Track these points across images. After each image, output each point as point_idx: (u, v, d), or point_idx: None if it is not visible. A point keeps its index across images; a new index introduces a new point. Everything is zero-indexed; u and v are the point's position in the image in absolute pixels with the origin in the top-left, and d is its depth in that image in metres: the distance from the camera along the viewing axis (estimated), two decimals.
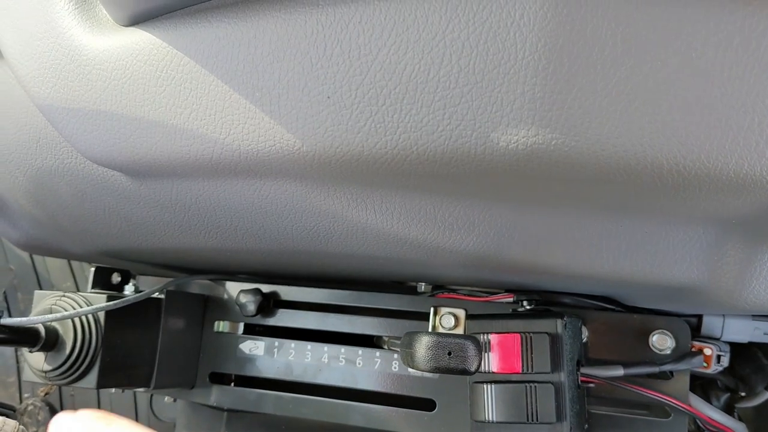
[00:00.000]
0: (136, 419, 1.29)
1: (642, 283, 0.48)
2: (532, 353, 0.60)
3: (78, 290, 1.29)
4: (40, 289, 1.35)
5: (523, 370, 0.60)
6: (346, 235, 0.51)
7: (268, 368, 0.83)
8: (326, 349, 0.81)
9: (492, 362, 0.62)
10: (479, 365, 0.46)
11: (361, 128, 0.39)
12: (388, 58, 0.36)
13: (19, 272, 1.35)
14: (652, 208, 0.40)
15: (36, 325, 0.69)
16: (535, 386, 0.60)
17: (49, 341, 0.70)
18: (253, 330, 0.86)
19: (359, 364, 0.79)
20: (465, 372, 0.45)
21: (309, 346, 0.82)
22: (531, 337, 0.61)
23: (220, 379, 0.86)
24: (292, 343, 0.82)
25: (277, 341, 0.83)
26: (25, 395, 1.32)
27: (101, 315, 0.72)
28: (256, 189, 0.49)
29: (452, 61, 0.35)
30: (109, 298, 0.72)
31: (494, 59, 0.35)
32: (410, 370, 0.77)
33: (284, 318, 0.84)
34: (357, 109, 0.38)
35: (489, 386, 0.62)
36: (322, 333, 0.82)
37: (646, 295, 0.63)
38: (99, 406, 1.30)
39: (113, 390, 1.28)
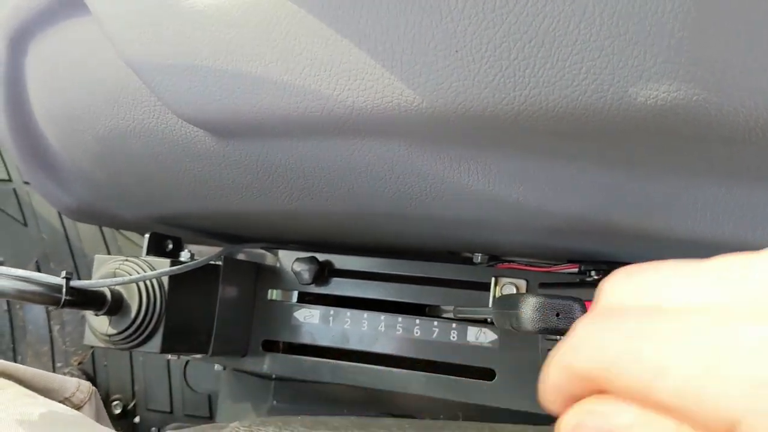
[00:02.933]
0: (170, 390, 1.30)
1: (738, 248, 0.48)
2: None
3: None
4: (73, 258, 1.34)
5: None
6: (440, 197, 0.51)
7: (324, 336, 0.83)
8: (383, 318, 0.81)
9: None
10: None
11: (489, 83, 0.38)
12: (525, 10, 0.36)
13: (50, 242, 1.34)
14: None
15: (102, 289, 0.69)
16: None
17: (115, 305, 0.70)
18: (306, 299, 0.86)
19: (417, 333, 0.79)
20: None
21: (365, 314, 0.82)
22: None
23: (272, 347, 0.86)
24: (348, 312, 0.82)
25: (332, 309, 0.83)
26: (58, 364, 1.33)
27: (165, 280, 0.72)
28: (357, 149, 0.48)
29: (595, 12, 0.35)
30: (172, 263, 0.72)
31: (640, 10, 0.34)
32: (469, 339, 0.77)
33: (339, 287, 0.84)
34: (487, 64, 0.38)
35: None
36: (377, 302, 0.82)
37: None
38: (132, 377, 1.30)
39: (141, 358, 1.28)
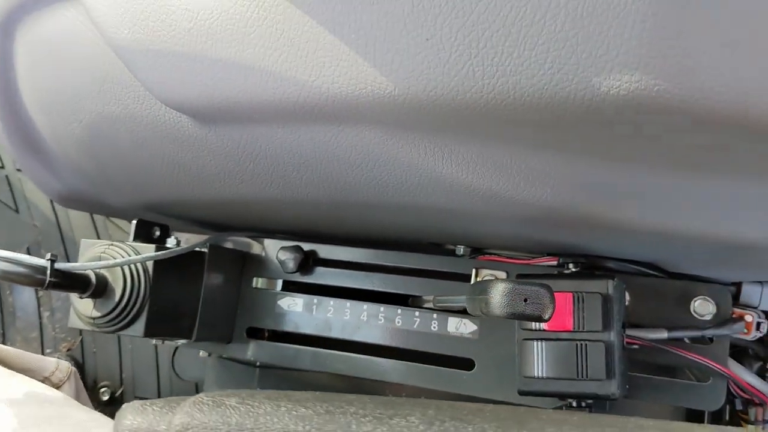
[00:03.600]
0: (158, 378, 1.31)
1: (711, 241, 0.49)
2: (583, 312, 0.62)
3: None
4: (64, 245, 1.35)
5: (574, 328, 0.61)
6: (415, 185, 0.52)
7: (307, 325, 0.84)
8: (365, 308, 0.82)
9: None
10: (553, 313, 0.47)
11: (459, 71, 0.39)
12: (493, 0, 0.37)
13: (42, 229, 1.35)
14: (744, 165, 0.41)
15: (86, 272, 0.70)
16: (586, 344, 0.61)
17: (99, 288, 0.71)
18: (290, 287, 0.87)
19: (398, 323, 0.80)
20: (539, 319, 0.46)
21: (348, 303, 0.82)
22: (583, 296, 0.62)
23: (256, 334, 0.87)
24: (331, 301, 0.83)
25: (316, 298, 0.84)
26: (48, 350, 1.33)
27: (150, 264, 0.73)
28: (333, 135, 0.49)
29: (560, 3, 0.36)
30: (157, 249, 0.73)
31: (603, 2, 0.35)
32: (449, 329, 0.78)
33: (323, 276, 0.85)
34: (456, 52, 0.39)
35: (539, 343, 0.63)
36: (360, 291, 0.83)
37: (697, 258, 0.64)
38: (120, 364, 1.31)
39: (129, 346, 1.29)
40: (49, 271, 0.66)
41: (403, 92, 0.41)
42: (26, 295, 1.34)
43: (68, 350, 1.33)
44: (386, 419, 0.30)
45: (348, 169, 0.52)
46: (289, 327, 0.85)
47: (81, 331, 1.33)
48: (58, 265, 0.66)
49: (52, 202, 1.35)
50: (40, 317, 1.33)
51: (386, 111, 0.43)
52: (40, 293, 1.34)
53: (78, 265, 0.67)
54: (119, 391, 1.31)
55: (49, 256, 0.66)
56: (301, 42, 0.43)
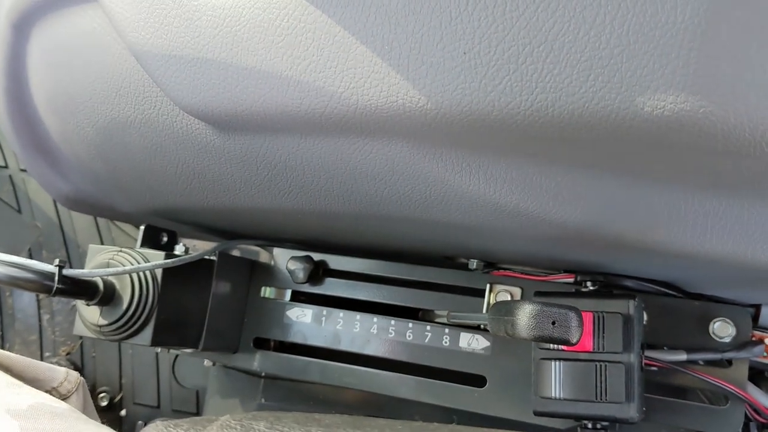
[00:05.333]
0: (158, 385, 1.29)
1: (738, 264, 0.48)
2: (604, 332, 0.60)
3: None
4: (66, 248, 1.34)
5: (594, 349, 0.60)
6: (439, 200, 0.50)
7: (315, 336, 0.82)
8: (375, 321, 0.80)
9: None
10: (580, 337, 0.45)
11: (496, 86, 0.38)
12: (536, 15, 0.36)
13: (44, 230, 1.34)
14: None
15: (95, 279, 0.68)
16: (606, 365, 0.60)
17: (107, 295, 0.69)
18: (299, 298, 0.86)
19: (409, 336, 0.79)
20: (566, 342, 0.45)
21: (358, 316, 0.81)
22: (603, 316, 0.61)
23: (262, 344, 0.86)
24: (341, 313, 0.82)
25: (325, 310, 0.82)
26: (46, 354, 1.32)
27: (159, 272, 0.71)
28: (358, 148, 0.48)
29: (606, 21, 0.35)
30: (166, 257, 0.72)
31: (651, 21, 0.34)
32: (461, 345, 0.77)
33: (332, 287, 0.84)
34: (494, 67, 0.37)
35: (557, 363, 0.61)
36: (370, 304, 0.81)
37: (717, 279, 0.62)
38: (120, 370, 1.29)
39: (130, 351, 1.27)
40: (57, 278, 0.64)
41: (436, 107, 0.40)
42: (26, 298, 1.32)
43: (67, 354, 1.31)
44: None
45: (370, 182, 0.51)
46: (297, 338, 0.83)
47: (81, 336, 1.32)
48: (66, 272, 0.65)
49: (55, 203, 1.33)
50: (39, 320, 1.32)
51: (416, 125, 0.42)
52: (41, 296, 1.32)
53: (86, 272, 0.66)
54: (118, 397, 1.29)
55: (57, 262, 0.65)
56: (332, 52, 0.42)
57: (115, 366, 1.29)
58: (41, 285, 0.64)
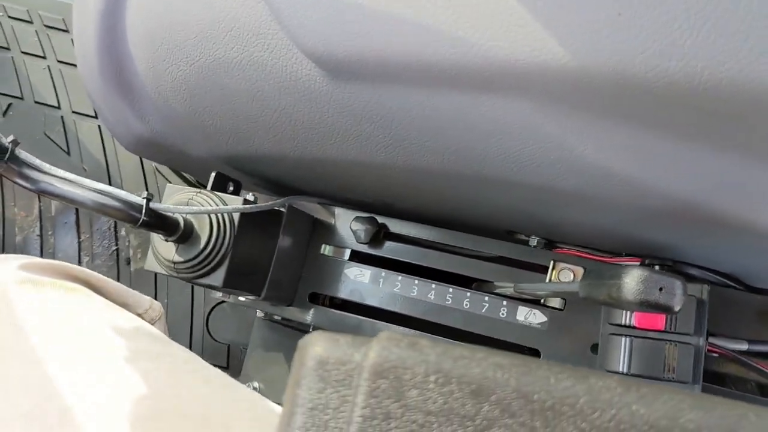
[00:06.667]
0: (190, 336, 1.31)
1: None
2: (677, 313, 0.62)
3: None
4: None
5: (666, 329, 0.62)
6: (547, 163, 0.52)
7: (372, 297, 0.84)
8: (434, 287, 0.82)
9: (633, 316, 0.63)
10: (682, 306, 0.47)
11: (647, 49, 0.39)
12: None
13: (91, 174, 1.35)
14: None
15: (176, 216, 0.70)
16: (677, 345, 0.61)
17: (186, 233, 0.71)
18: (357, 258, 0.87)
19: (466, 305, 0.80)
20: (669, 310, 0.46)
21: (416, 281, 0.83)
22: (686, 285, 0.62)
23: (316, 300, 0.87)
24: (399, 276, 0.83)
25: (384, 271, 0.84)
26: None
27: (236, 216, 0.73)
28: (477, 104, 0.49)
29: None
30: (245, 202, 0.73)
31: None
32: (518, 318, 0.78)
33: (392, 250, 0.85)
34: (649, 30, 0.39)
35: (627, 339, 0.63)
36: (427, 270, 0.83)
37: None
38: None
39: (165, 300, 1.29)
40: (144, 210, 0.66)
41: (580, 66, 0.41)
42: (68, 239, 1.34)
43: None
44: (583, 378, 0.30)
45: (480, 139, 0.52)
46: (353, 297, 0.85)
47: (119, 279, 1.33)
48: (153, 205, 0.66)
49: (104, 148, 1.35)
50: (80, 261, 1.33)
51: (553, 83, 0.43)
52: (83, 237, 1.33)
53: (173, 208, 0.67)
54: None
55: (145, 194, 0.66)
56: (479, 3, 0.43)
57: None
58: (128, 215, 0.65)
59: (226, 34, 0.60)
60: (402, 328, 0.82)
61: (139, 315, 0.61)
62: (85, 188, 0.64)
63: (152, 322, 0.61)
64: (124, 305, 0.60)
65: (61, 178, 0.63)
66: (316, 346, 0.31)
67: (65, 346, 0.48)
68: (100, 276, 0.59)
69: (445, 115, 0.52)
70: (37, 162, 0.62)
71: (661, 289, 0.46)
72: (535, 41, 0.42)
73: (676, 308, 0.46)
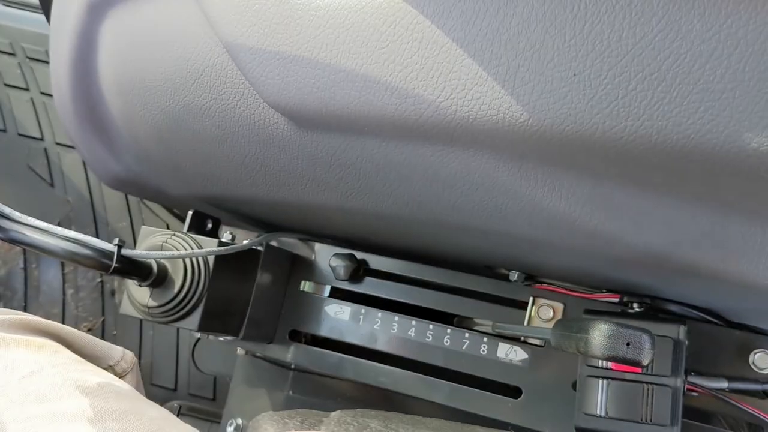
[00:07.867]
0: (176, 368, 1.30)
1: None
2: (645, 366, 0.61)
3: (133, 231, 1.28)
4: (95, 225, 1.34)
5: (643, 371, 0.61)
6: (514, 214, 0.51)
7: (352, 334, 0.83)
8: (414, 323, 0.81)
9: None
10: (651, 360, 0.46)
11: (602, 110, 0.39)
12: (653, 44, 0.36)
13: (75, 206, 1.34)
14: None
15: (149, 260, 0.69)
16: (653, 387, 0.61)
17: (159, 277, 0.70)
18: (337, 294, 0.86)
19: (446, 342, 0.80)
20: (638, 364, 0.46)
21: (396, 317, 0.82)
22: (653, 339, 0.61)
23: (297, 337, 0.87)
24: (379, 313, 0.83)
25: (363, 308, 0.83)
26: None
27: (211, 259, 0.72)
28: (441, 156, 0.49)
29: (723, 56, 0.35)
30: (219, 244, 0.73)
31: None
32: (499, 355, 0.78)
33: (371, 287, 0.84)
34: (604, 91, 0.38)
35: (604, 381, 0.62)
36: (408, 306, 0.82)
37: (761, 310, 0.63)
38: (140, 350, 1.30)
39: (150, 332, 1.28)
40: (115, 257, 0.65)
41: (538, 124, 0.41)
42: (52, 271, 1.33)
43: (89, 330, 1.32)
44: None
45: (446, 190, 0.52)
46: (333, 334, 0.84)
47: (103, 312, 1.33)
48: (125, 252, 0.66)
49: (87, 180, 1.34)
50: (64, 294, 1.33)
51: (513, 140, 0.43)
52: (67, 270, 1.33)
53: (144, 253, 0.67)
54: None
55: (116, 241, 0.66)
56: (437, 62, 0.42)
57: (136, 346, 1.30)
58: (100, 263, 0.64)
59: (193, 82, 0.59)
60: (383, 366, 0.81)
61: (110, 367, 0.60)
62: (56, 236, 0.63)
63: (123, 374, 0.60)
64: (94, 358, 0.59)
65: (31, 226, 0.63)
66: (263, 430, 0.30)
67: (27, 408, 0.47)
68: (71, 329, 0.59)
69: (410, 166, 0.52)
70: (7, 210, 0.62)
71: (628, 344, 0.45)
72: (493, 100, 0.41)
73: (645, 362, 0.46)
